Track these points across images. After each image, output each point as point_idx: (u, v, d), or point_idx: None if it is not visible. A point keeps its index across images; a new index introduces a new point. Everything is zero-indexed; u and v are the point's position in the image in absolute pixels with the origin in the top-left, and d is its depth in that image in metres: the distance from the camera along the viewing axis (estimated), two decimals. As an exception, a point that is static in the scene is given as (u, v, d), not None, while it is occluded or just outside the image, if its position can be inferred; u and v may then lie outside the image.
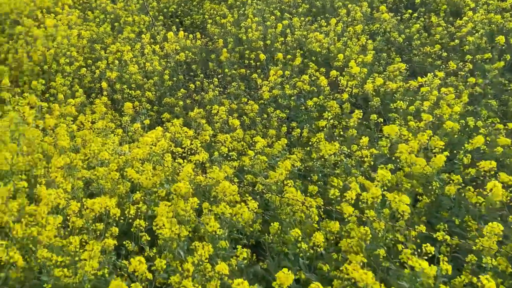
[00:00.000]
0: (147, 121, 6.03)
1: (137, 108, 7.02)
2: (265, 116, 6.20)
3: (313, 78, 6.65)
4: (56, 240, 3.09)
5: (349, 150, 4.65)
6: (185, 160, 4.62)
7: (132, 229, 3.58)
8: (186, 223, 3.40)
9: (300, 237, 3.30)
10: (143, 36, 9.21)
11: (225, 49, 8.03)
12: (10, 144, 4.41)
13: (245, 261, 3.31)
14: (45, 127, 5.16)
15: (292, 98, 6.45)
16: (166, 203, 3.29)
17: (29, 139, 4.61)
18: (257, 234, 3.77)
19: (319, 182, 4.39)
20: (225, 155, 4.81)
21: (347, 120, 5.45)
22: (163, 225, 3.16)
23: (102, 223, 3.46)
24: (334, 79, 6.36)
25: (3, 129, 4.88)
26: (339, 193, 3.69)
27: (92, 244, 3.03)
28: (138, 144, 4.70)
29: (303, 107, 6.30)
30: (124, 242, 3.48)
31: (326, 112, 5.49)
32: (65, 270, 2.96)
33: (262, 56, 7.53)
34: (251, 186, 4.29)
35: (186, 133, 5.06)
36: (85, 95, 7.66)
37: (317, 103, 6.02)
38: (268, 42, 8.23)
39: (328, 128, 5.32)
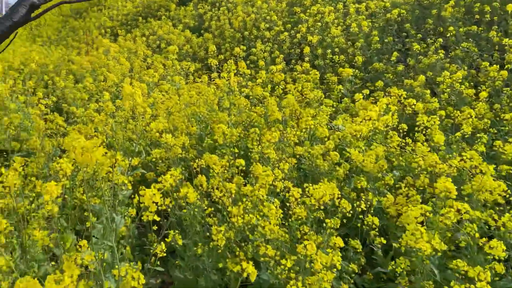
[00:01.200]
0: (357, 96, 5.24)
1: (340, 75, 6.27)
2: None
3: None
4: (279, 232, 2.57)
5: None
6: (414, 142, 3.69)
7: (359, 225, 2.89)
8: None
9: None
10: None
11: (451, 2, 6.58)
12: (220, 113, 4.14)
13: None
14: (251, 95, 4.81)
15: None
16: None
17: (239, 108, 4.30)
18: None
19: None
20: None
21: None
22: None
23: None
24: None
25: (211, 98, 4.69)
26: None
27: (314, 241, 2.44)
28: (356, 118, 3.94)
29: None
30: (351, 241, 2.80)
31: None
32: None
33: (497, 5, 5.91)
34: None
35: (413, 106, 4.09)
36: (284, 62, 7.26)
37: None
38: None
39: None
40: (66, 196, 2.88)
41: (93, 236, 2.54)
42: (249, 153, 3.87)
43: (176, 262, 2.84)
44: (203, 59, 8.80)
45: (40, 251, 2.33)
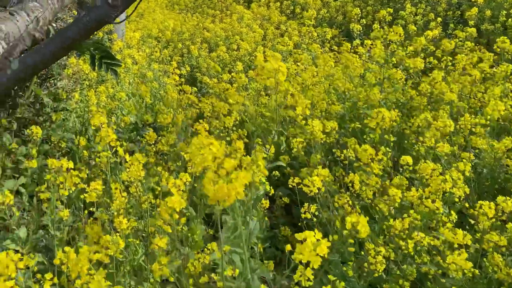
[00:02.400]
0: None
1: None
2: None
3: None
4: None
5: None
6: None
7: None
8: None
9: None
10: None
11: None
12: (371, 90, 3.42)
13: None
14: (409, 67, 3.95)
15: None
16: None
17: (394, 85, 3.53)
18: None
19: None
20: None
21: None
22: None
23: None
24: None
25: (357, 70, 3.97)
26: None
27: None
28: None
29: None
30: None
31: None
32: None
33: None
34: None
35: None
36: (440, 26, 6.12)
37: None
38: None
39: None
40: (195, 185, 2.53)
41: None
42: (404, 144, 3.15)
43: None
44: (341, 24, 8.00)
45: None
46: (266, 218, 2.47)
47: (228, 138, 2.92)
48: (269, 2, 10.50)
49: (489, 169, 2.69)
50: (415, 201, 2.12)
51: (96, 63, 2.59)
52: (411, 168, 2.29)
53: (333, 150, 2.97)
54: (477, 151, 2.77)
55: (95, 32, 2.77)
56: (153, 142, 3.05)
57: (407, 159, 2.26)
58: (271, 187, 2.19)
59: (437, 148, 2.45)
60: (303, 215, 2.02)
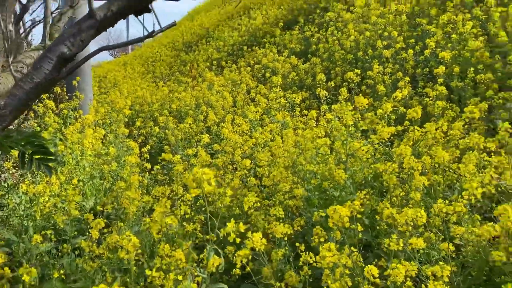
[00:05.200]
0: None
1: (491, 100, 4.81)
2: None
3: None
4: None
5: None
6: None
7: None
8: None
9: None
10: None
11: None
12: (336, 171, 3.09)
13: None
14: (373, 139, 3.65)
15: None
16: None
17: (360, 161, 3.22)
18: None
19: None
20: None
21: None
22: None
23: None
24: None
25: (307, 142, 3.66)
26: None
27: None
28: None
29: None
30: None
31: None
32: None
33: None
34: None
35: None
36: (409, 85, 5.96)
37: None
38: None
39: None
40: None
41: None
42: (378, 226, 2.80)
43: None
44: (310, 86, 7.86)
45: None
46: None
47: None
48: (241, 67, 10.48)
49: (473, 261, 2.31)
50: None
51: (26, 162, 2.22)
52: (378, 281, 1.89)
53: (296, 244, 2.59)
54: (456, 240, 2.40)
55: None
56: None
57: (373, 271, 1.87)
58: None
59: (410, 247, 2.08)
60: None
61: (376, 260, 2.58)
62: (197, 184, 1.59)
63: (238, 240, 1.67)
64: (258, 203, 2.38)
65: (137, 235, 3.00)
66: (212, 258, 1.76)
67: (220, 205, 1.92)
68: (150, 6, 2.02)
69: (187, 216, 2.77)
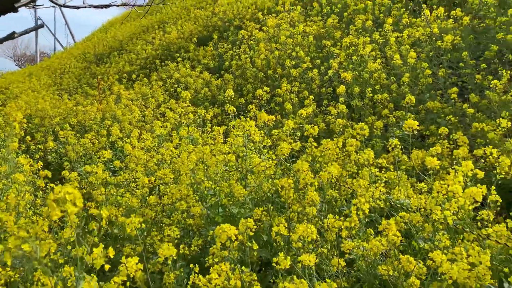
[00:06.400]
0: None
1: (387, 118, 5.11)
2: None
3: None
4: None
5: None
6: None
7: None
8: None
9: None
10: (389, 20, 7.18)
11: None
12: (236, 187, 3.03)
13: None
14: (275, 155, 3.69)
15: None
16: None
17: (258, 177, 3.19)
18: None
19: None
20: None
21: None
22: None
23: None
24: None
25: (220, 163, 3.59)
26: None
27: None
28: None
29: None
30: None
31: None
32: None
33: None
34: None
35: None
36: (315, 103, 6.18)
37: None
38: None
39: None
40: None
41: None
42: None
43: None
44: (222, 103, 7.83)
45: None
46: None
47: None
48: (153, 80, 10.19)
49: (364, 276, 2.35)
50: None
51: None
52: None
53: (191, 266, 2.46)
54: (349, 256, 2.44)
55: None
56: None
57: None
58: None
59: (299, 264, 2.05)
60: None
61: (274, 278, 2.54)
62: (61, 205, 1.41)
63: (107, 267, 1.51)
64: (142, 224, 2.22)
65: None
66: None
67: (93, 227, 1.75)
68: (17, 8, 1.83)
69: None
